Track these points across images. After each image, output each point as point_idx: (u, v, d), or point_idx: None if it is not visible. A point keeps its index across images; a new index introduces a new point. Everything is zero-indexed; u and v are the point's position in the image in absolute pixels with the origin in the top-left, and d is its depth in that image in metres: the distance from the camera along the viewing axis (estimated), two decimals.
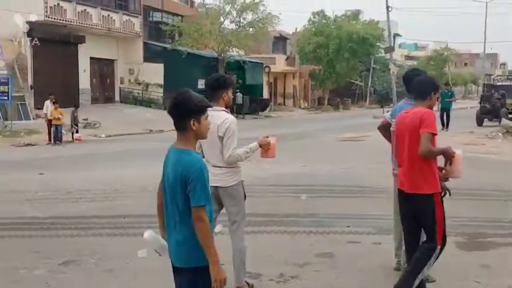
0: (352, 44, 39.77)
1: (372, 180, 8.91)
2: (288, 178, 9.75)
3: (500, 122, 21.12)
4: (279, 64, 39.45)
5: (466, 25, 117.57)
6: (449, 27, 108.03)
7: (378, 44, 42.54)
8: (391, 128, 4.70)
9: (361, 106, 44.30)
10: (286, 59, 41.46)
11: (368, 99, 46.21)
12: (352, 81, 45.85)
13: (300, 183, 9.24)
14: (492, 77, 35.79)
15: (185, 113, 2.74)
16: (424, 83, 4.28)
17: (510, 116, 24.53)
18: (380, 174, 8.93)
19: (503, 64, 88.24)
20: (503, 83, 28.84)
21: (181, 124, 2.76)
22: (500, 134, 17.49)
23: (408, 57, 65.31)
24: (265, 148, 4.28)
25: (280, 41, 45.39)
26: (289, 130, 19.66)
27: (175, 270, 2.84)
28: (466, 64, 76.95)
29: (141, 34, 30.43)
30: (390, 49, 32.01)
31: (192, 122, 2.73)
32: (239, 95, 28.63)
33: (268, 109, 35.04)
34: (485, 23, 47.08)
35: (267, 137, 4.35)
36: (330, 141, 17.17)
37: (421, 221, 4.01)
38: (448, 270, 3.94)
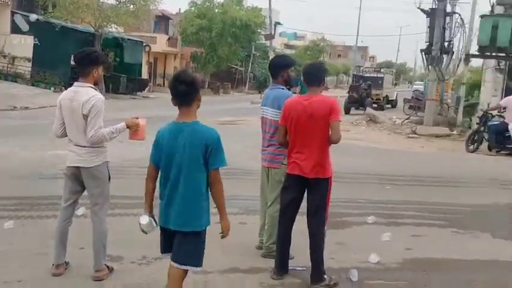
0: (235, 29, 40.15)
1: (243, 163, 9.13)
2: None
3: (365, 110, 22.81)
4: (160, 44, 38.65)
5: (342, 18, 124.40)
6: (326, 19, 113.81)
7: (259, 30, 43.42)
8: (262, 115, 4.86)
9: (241, 91, 45.01)
10: (168, 39, 40.75)
11: (247, 84, 47.07)
12: (233, 66, 46.36)
13: None
14: (361, 68, 38.32)
15: (192, 91, 3.18)
16: (318, 69, 4.39)
17: (374, 105, 26.62)
18: (250, 157, 9.23)
19: (372, 57, 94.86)
20: (371, 75, 31.11)
21: (188, 101, 3.18)
22: (364, 122, 18.91)
23: (287, 46, 67.47)
24: (133, 129, 4.16)
25: (163, 20, 44.42)
26: (167, 112, 19.31)
27: (175, 233, 3.19)
28: (339, 55, 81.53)
29: (9, 3, 27.93)
30: (270, 37, 32.97)
31: (197, 98, 3.21)
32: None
33: (146, 90, 34.21)
34: (359, 18, 50.29)
35: (137, 118, 4.25)
36: (208, 124, 17.19)
37: (318, 203, 4.19)
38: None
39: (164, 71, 41.47)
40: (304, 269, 4.40)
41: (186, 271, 3.28)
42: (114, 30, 30.69)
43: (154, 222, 3.34)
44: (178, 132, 3.16)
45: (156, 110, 15.26)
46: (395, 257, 4.98)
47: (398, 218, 6.42)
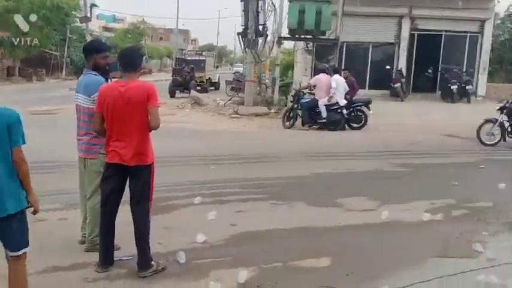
0: (46, 11, 37.14)
1: (63, 154, 8.58)
2: None
3: (189, 93, 23.04)
4: None
5: (162, 1, 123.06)
6: (146, 2, 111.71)
7: (73, 13, 40.78)
8: (75, 102, 4.60)
9: (58, 77, 41.99)
10: None
11: (64, 70, 44.11)
12: (47, 51, 42.97)
13: None
14: (184, 51, 38.50)
15: None
16: (134, 53, 4.26)
17: (198, 88, 27.04)
18: (70, 148, 8.68)
19: (194, 40, 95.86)
20: (193, 58, 31.44)
21: None
22: (189, 105, 19.11)
23: (106, 29, 64.64)
24: None
25: None
26: None
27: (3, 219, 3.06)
28: (161, 38, 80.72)
29: None
30: (86, 19, 31.07)
31: None
32: None
33: None
34: (178, 1, 50.22)
35: None
36: (21, 115, 15.79)
37: (141, 191, 4.11)
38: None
39: None
40: (131, 258, 4.33)
41: (24, 256, 3.22)
42: None
43: None
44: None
45: None
46: (221, 234, 5.17)
47: (223, 196, 6.66)
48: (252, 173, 8.17)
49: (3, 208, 3.07)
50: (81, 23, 37.51)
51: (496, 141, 11.77)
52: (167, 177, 7.27)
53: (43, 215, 5.54)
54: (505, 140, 11.73)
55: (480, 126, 11.98)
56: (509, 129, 11.82)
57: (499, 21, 27.84)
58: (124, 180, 4.21)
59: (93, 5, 50.58)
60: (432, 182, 7.95)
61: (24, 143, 3.17)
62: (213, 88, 31.72)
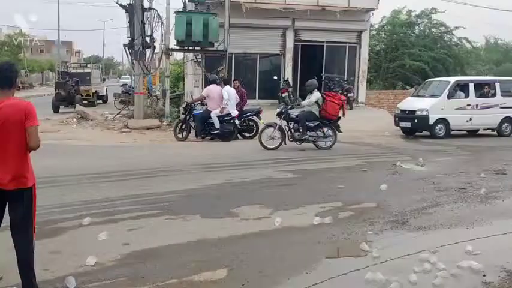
0: None
1: None
2: None
3: (75, 108, 22.03)
4: None
5: (41, 12, 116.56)
6: (23, 13, 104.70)
7: None
8: None
9: None
10: None
11: None
12: None
13: None
14: (67, 64, 36.74)
15: None
16: (8, 70, 3.92)
17: (84, 102, 25.98)
18: None
19: (78, 52, 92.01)
20: (77, 71, 30.15)
21: None
22: (75, 120, 18.25)
23: None
24: None
25: None
26: None
27: None
28: (42, 51, 76.34)
29: None
30: None
31: None
32: None
33: None
34: (59, 11, 47.89)
35: None
36: None
37: (22, 216, 3.85)
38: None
39: None
40: (15, 287, 4.03)
41: None
42: None
43: None
44: None
45: None
46: (114, 255, 4.98)
47: (115, 215, 6.42)
48: (144, 188, 7.97)
49: None
50: None
51: (277, 145, 12.49)
52: (53, 198, 6.90)
53: None
54: (285, 144, 12.51)
55: (262, 131, 12.77)
56: (289, 133, 12.63)
57: (374, 32, 29.97)
58: (3, 205, 3.92)
59: None
60: (320, 187, 8.31)
61: None
62: (100, 102, 30.63)
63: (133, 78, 23.67)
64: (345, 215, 6.56)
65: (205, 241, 5.51)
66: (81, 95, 25.88)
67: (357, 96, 22.44)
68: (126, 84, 29.83)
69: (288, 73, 21.60)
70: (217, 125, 14.00)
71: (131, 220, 6.21)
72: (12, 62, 4.51)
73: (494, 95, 16.37)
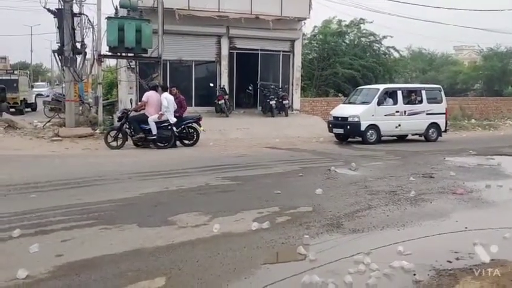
0: None
1: None
2: None
3: (1, 115, 21.01)
4: None
5: None
6: None
7: None
8: None
9: None
10: None
11: None
12: None
13: None
14: None
15: None
16: None
17: (12, 110, 24.86)
18: None
19: (4, 58, 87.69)
20: (3, 77, 28.81)
21: None
22: (2, 129, 17.39)
23: None
24: None
25: None
26: None
27: None
28: None
29: None
30: None
31: None
32: None
33: None
34: None
35: None
36: None
37: None
38: None
39: None
40: None
41: None
42: None
43: None
44: None
45: None
46: (46, 267, 4.79)
47: (47, 226, 6.18)
48: (77, 198, 7.72)
49: None
50: None
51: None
52: None
53: None
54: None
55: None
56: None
57: (306, 41, 30.71)
58: None
59: None
60: (258, 193, 8.39)
61: None
62: (29, 110, 29.39)
63: (62, 85, 22.94)
64: (282, 219, 6.65)
65: (143, 250, 5.41)
66: (8, 103, 24.72)
67: (292, 104, 22.87)
68: (42, 94, 28.80)
69: (224, 80, 21.68)
70: (154, 130, 13.83)
71: (64, 231, 6.00)
72: None
73: (420, 101, 17.23)
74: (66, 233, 5.91)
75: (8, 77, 28.97)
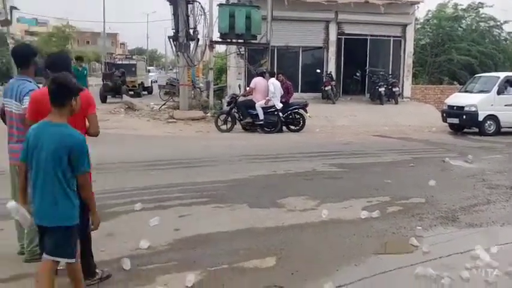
0: None
1: None
2: None
3: (122, 98, 22.54)
4: None
5: (87, 4, 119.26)
6: (70, 5, 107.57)
7: None
8: (6, 108, 4.43)
9: None
10: None
11: None
12: None
13: None
14: (113, 55, 37.55)
15: (65, 93, 3.31)
16: (64, 59, 4.15)
17: (130, 92, 26.52)
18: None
19: (123, 44, 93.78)
20: (123, 62, 30.74)
21: (58, 102, 3.30)
22: (123, 110, 18.68)
23: (28, 33, 61.93)
24: None
25: None
26: None
27: (45, 230, 3.31)
28: (88, 42, 78.31)
29: None
30: (7, 23, 29.52)
31: (71, 103, 3.34)
32: None
33: None
34: (104, 4, 48.92)
35: None
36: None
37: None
38: None
39: None
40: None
41: (56, 263, 3.36)
42: None
43: (27, 214, 3.37)
44: (43, 131, 3.28)
45: None
46: (165, 239, 5.11)
47: (165, 201, 6.58)
48: (191, 177, 8.11)
49: (48, 219, 3.29)
50: (1, 26, 35.76)
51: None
52: (106, 184, 7.13)
53: None
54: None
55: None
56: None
57: (419, 26, 29.34)
58: None
59: (13, 8, 48.29)
60: (366, 181, 8.23)
61: (87, 169, 3.35)
62: (146, 93, 31.20)
63: (176, 70, 24.03)
64: (393, 209, 6.49)
65: (253, 230, 5.57)
66: (127, 86, 26.39)
67: (402, 91, 22.03)
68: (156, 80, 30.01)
69: (331, 66, 21.41)
70: (261, 116, 14.07)
71: (181, 207, 6.35)
72: (67, 52, 4.71)
73: None
74: (183, 209, 6.25)
75: (127, 62, 30.86)
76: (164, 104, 20.26)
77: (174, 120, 16.47)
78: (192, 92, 20.52)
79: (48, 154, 3.21)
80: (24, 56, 4.45)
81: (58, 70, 3.96)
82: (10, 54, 4.66)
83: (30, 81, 4.38)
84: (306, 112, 14.67)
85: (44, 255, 3.35)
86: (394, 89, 20.35)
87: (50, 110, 3.84)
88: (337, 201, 6.79)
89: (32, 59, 4.44)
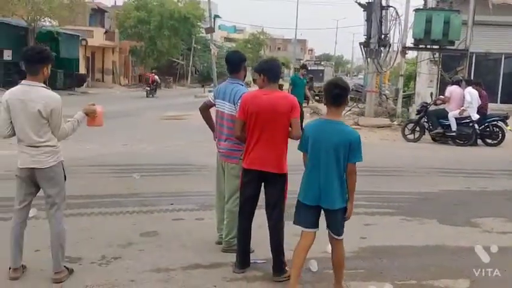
0: (174, 22, 39.66)
1: (194, 158, 9.07)
2: (109, 158, 9.44)
3: (308, 103, 23.14)
4: (97, 38, 37.54)
5: (280, 12, 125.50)
6: (264, 12, 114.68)
7: (198, 24, 43.05)
8: (217, 108, 4.87)
9: (183, 85, 44.57)
10: (105, 32, 39.61)
11: (189, 78, 46.65)
12: (175, 59, 45.77)
13: (121, 162, 9.01)
14: (302, 61, 38.83)
15: (343, 95, 3.86)
16: (277, 65, 4.47)
17: (316, 98, 27.08)
18: (200, 153, 9.19)
19: (311, 50, 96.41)
20: (312, 68, 31.56)
21: (338, 103, 3.86)
22: (308, 114, 19.17)
23: (227, 39, 67.39)
24: (91, 116, 4.15)
25: (98, 13, 43.13)
26: (109, 107, 18.92)
27: (326, 211, 3.90)
28: (279, 48, 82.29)
29: None
30: (211, 30, 32.58)
31: (346, 103, 3.98)
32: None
33: (84, 85, 33.21)
34: (297, 11, 50.89)
35: (93, 104, 4.21)
36: (152, 120, 17.01)
37: (277, 197, 4.26)
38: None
39: (103, 66, 40.31)
40: (265, 261, 4.46)
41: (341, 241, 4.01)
42: (48, 24, 29.55)
43: None
44: (325, 128, 3.81)
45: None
46: (351, 246, 5.09)
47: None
48: (376, 186, 7.96)
49: (334, 204, 3.82)
50: (206, 33, 39.53)
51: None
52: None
53: (180, 215, 5.94)
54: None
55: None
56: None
57: None
58: (260, 186, 4.35)
59: (216, 16, 53.06)
60: None
61: (360, 160, 3.88)
62: None
63: (361, 76, 23.83)
64: None
65: (444, 247, 5.27)
66: (314, 91, 27.03)
67: None
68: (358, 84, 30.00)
69: None
70: (454, 127, 13.23)
71: (366, 216, 6.28)
72: (277, 60, 4.99)
73: None
74: (368, 218, 6.18)
75: (316, 68, 31.65)
76: (349, 110, 20.26)
77: (359, 126, 16.37)
78: (379, 99, 20.18)
79: (330, 148, 3.76)
80: (236, 61, 4.85)
81: (273, 75, 4.28)
82: (211, 59, 5.13)
83: (242, 85, 4.76)
84: (506, 125, 13.37)
85: (331, 234, 3.96)
86: None
87: (259, 110, 4.13)
88: None
89: (242, 64, 4.82)
